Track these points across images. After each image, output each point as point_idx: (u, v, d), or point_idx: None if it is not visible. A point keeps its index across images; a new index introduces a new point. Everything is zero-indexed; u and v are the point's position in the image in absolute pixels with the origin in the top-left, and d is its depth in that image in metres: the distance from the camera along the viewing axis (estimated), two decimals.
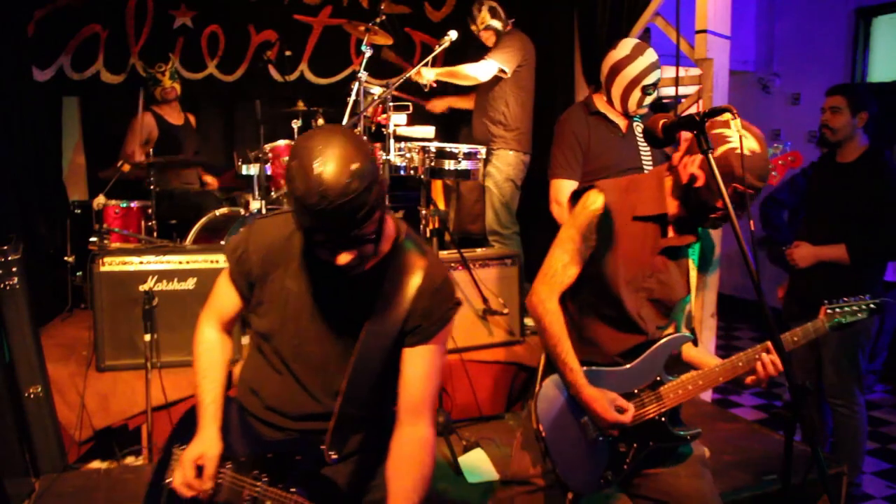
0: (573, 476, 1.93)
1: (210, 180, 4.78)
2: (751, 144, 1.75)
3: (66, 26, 4.62)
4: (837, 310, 2.01)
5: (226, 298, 1.73)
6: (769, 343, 1.89)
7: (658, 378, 1.97)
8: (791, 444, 1.63)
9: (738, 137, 1.69)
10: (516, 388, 3.62)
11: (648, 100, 2.96)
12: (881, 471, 3.72)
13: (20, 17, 4.24)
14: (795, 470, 1.74)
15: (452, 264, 3.53)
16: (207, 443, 1.63)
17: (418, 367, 1.62)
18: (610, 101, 3.02)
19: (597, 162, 2.98)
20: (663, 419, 1.96)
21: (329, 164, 1.37)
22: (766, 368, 1.88)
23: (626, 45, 2.95)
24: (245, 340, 3.05)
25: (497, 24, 4.15)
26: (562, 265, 1.92)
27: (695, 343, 2.06)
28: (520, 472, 2.05)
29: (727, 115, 1.73)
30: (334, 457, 1.62)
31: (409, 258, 1.62)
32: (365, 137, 3.66)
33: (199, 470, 1.61)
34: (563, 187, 3.00)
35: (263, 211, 3.48)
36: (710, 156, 1.62)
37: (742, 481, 2.74)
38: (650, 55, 2.92)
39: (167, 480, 1.66)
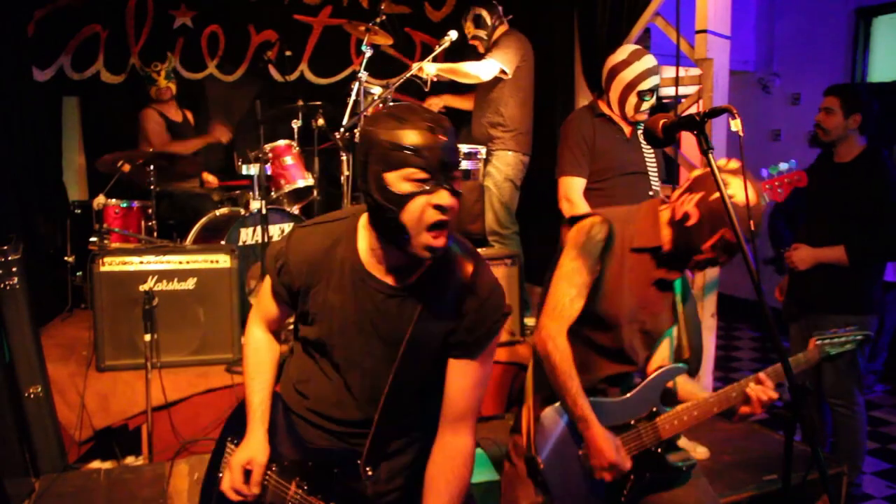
0: None
1: (211, 179, 4.78)
2: (749, 196, 1.77)
3: (66, 26, 4.62)
4: (827, 341, 2.05)
5: (270, 305, 1.72)
6: (760, 374, 1.91)
7: (654, 409, 1.97)
8: (791, 444, 1.63)
9: (738, 186, 1.73)
10: (516, 388, 3.62)
11: (645, 105, 2.94)
12: (881, 471, 3.72)
13: (20, 17, 4.24)
14: (795, 470, 1.74)
15: None
16: (255, 448, 1.63)
17: (463, 379, 1.58)
18: (610, 106, 3.03)
19: (601, 162, 2.99)
20: (659, 450, 1.96)
21: (424, 111, 1.45)
22: (760, 398, 1.88)
23: (624, 50, 2.97)
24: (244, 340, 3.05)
25: (482, 33, 4.12)
26: (569, 299, 1.87)
27: (691, 374, 2.06)
28: None
29: (734, 163, 1.78)
30: (370, 473, 1.60)
31: (456, 266, 1.56)
32: None
33: (247, 474, 1.62)
34: (572, 184, 3.00)
35: (263, 211, 3.47)
36: (710, 156, 1.62)
37: (742, 481, 2.74)
38: (647, 60, 2.91)
39: (220, 473, 1.69)
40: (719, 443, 3.05)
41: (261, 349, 1.74)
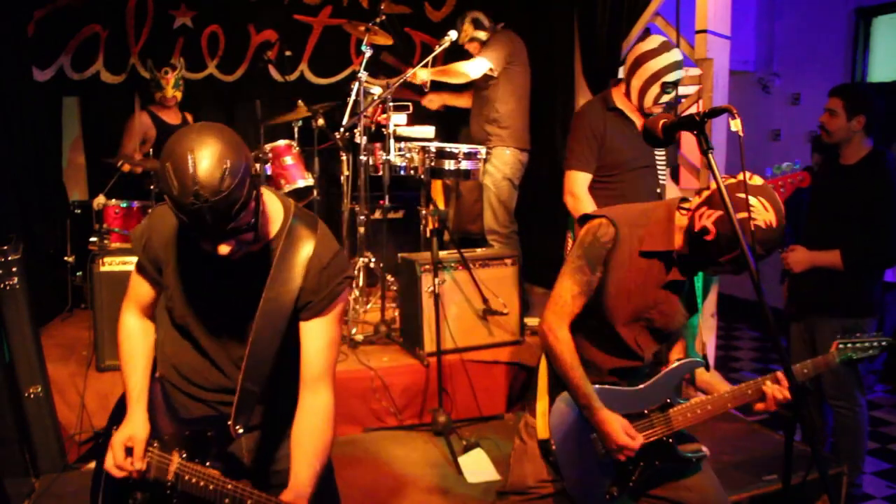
0: (579, 490, 1.95)
1: None
2: (769, 218, 1.76)
3: (66, 26, 4.62)
4: (849, 345, 2.03)
5: (140, 287, 1.80)
6: (778, 373, 1.92)
7: (668, 400, 1.99)
8: (791, 444, 1.64)
9: (760, 208, 1.73)
10: (516, 388, 3.63)
11: (665, 98, 2.92)
12: (881, 471, 3.72)
13: (20, 17, 4.24)
14: (795, 470, 1.75)
15: (453, 264, 3.54)
16: (135, 425, 1.71)
17: (314, 340, 1.70)
18: (628, 94, 3.00)
19: (611, 157, 2.98)
20: (671, 440, 1.98)
21: (201, 162, 1.42)
22: (776, 396, 1.91)
23: (654, 40, 2.94)
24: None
25: (481, 34, 4.18)
26: (571, 296, 1.93)
27: (707, 368, 2.07)
28: (518, 482, 2.05)
29: (757, 179, 1.78)
30: (240, 430, 1.69)
31: (299, 236, 1.69)
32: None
33: (129, 451, 1.69)
34: (577, 179, 2.99)
35: None
36: (709, 156, 1.62)
37: (742, 481, 2.74)
38: (675, 54, 2.90)
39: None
40: (719, 443, 3.05)
41: (133, 335, 1.82)
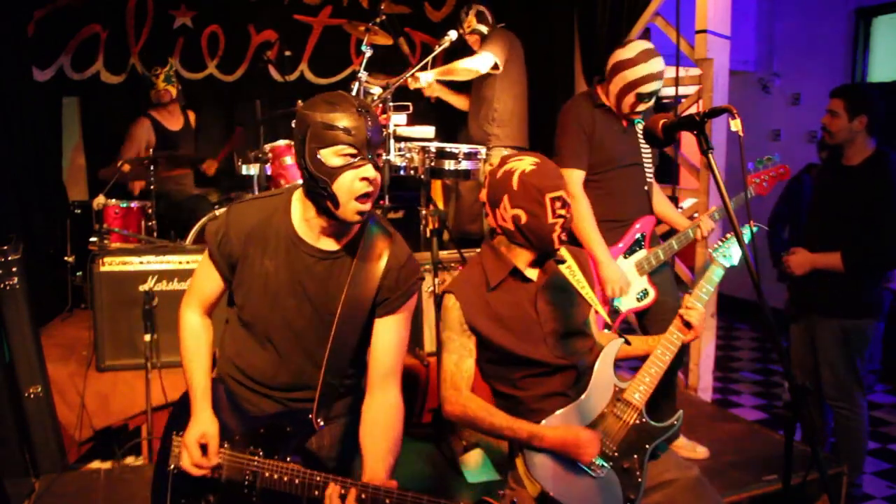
0: None
1: (207, 166, 4.73)
2: (530, 161, 1.97)
3: (66, 26, 4.62)
4: (718, 248, 2.16)
5: (208, 282, 1.84)
6: (685, 295, 2.06)
7: (616, 388, 2.01)
8: (791, 444, 1.63)
9: (522, 161, 1.97)
10: None
11: (642, 107, 2.88)
12: (881, 471, 3.72)
13: (20, 17, 4.24)
14: (795, 470, 1.75)
15: (452, 264, 3.53)
16: (205, 422, 1.73)
17: (388, 336, 1.76)
18: (608, 97, 2.96)
19: (600, 154, 2.91)
20: (644, 420, 1.98)
21: (353, 97, 1.64)
22: (690, 319, 2.00)
23: (634, 48, 2.84)
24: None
25: (483, 27, 4.18)
26: (454, 364, 1.98)
27: (627, 342, 2.10)
28: None
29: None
30: (322, 424, 1.72)
31: (378, 238, 1.77)
32: None
33: (204, 449, 1.71)
34: (572, 177, 2.88)
35: None
36: (710, 156, 1.62)
37: (742, 481, 2.74)
38: (654, 64, 2.80)
39: (171, 467, 1.76)
40: (719, 443, 3.05)
41: (196, 332, 1.85)
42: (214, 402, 1.78)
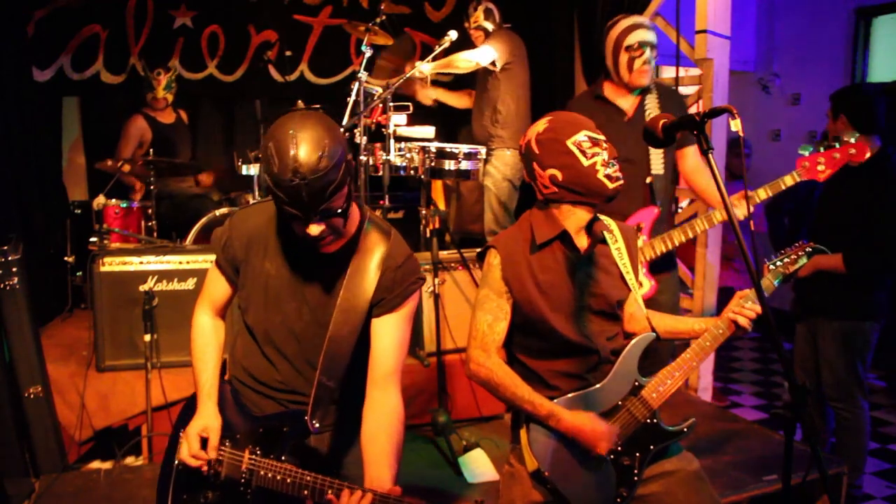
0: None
1: (204, 178, 4.74)
2: (542, 122, 1.98)
3: (66, 26, 4.62)
4: (779, 265, 2.13)
5: (216, 286, 1.88)
6: (738, 293, 2.00)
7: (636, 383, 1.98)
8: (791, 444, 1.63)
9: (535, 125, 1.98)
10: None
11: (638, 63, 2.86)
12: (881, 471, 3.72)
13: (20, 17, 4.24)
14: (795, 470, 1.74)
15: (452, 264, 3.53)
16: (208, 416, 1.77)
17: (387, 336, 1.76)
18: (617, 76, 2.96)
19: None
20: (655, 420, 1.97)
21: (302, 144, 1.52)
22: (748, 317, 1.94)
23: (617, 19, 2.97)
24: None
25: (489, 25, 4.19)
26: (487, 325, 1.95)
27: (658, 338, 2.06)
28: None
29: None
30: (317, 425, 1.74)
31: (374, 239, 1.77)
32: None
33: (204, 442, 1.74)
34: None
35: None
36: (709, 156, 1.62)
37: (742, 481, 2.74)
38: (634, 18, 2.90)
39: (176, 463, 1.80)
40: (719, 443, 3.05)
41: (205, 333, 1.88)
42: (221, 402, 1.81)
